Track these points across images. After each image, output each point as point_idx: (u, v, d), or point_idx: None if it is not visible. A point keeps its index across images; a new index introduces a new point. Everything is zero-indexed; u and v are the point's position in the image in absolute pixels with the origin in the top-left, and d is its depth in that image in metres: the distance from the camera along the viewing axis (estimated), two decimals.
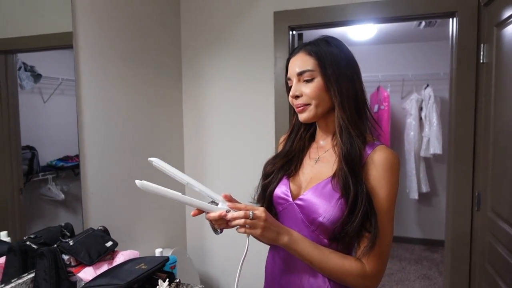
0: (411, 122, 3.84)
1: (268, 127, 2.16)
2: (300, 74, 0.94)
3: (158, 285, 1.22)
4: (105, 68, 1.72)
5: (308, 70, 0.93)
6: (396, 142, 4.09)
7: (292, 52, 1.00)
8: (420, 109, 3.82)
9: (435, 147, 3.62)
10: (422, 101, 3.81)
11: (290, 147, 1.06)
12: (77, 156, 1.59)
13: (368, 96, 4.35)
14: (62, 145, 1.56)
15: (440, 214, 3.97)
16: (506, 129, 1.48)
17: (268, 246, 1.11)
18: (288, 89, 1.01)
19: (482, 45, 1.76)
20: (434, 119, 3.67)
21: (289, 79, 0.99)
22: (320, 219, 0.90)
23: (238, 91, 2.22)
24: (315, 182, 0.96)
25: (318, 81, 0.93)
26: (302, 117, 0.97)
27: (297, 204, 0.96)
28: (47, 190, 1.50)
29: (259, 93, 2.17)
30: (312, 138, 1.08)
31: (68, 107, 1.56)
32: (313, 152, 1.04)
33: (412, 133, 3.83)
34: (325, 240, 0.93)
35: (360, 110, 0.97)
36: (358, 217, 0.86)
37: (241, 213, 0.83)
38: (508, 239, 1.42)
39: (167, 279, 1.26)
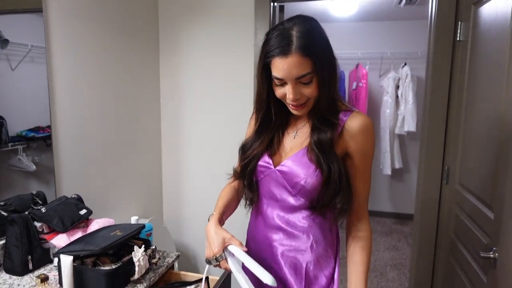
0: (387, 100, 3.90)
1: (246, 96, 2.14)
2: (298, 78, 0.88)
3: (133, 251, 1.22)
4: (78, 34, 1.64)
5: (307, 74, 0.88)
6: (372, 119, 4.15)
7: (276, 49, 0.87)
8: (397, 87, 3.88)
9: (409, 125, 3.71)
10: (399, 79, 3.87)
11: (267, 129, 1.04)
12: (49, 127, 1.54)
13: (347, 73, 4.37)
14: (32, 115, 1.50)
15: (411, 189, 4.12)
16: (477, 107, 1.53)
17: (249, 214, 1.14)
18: (267, 81, 0.95)
19: (459, 23, 1.78)
20: (410, 98, 3.74)
21: (280, 79, 0.90)
22: (302, 182, 0.96)
23: (217, 60, 2.18)
24: (295, 151, 1.00)
25: (315, 80, 0.90)
26: (299, 113, 0.97)
27: (279, 171, 1.00)
28: (17, 161, 1.46)
29: (238, 63, 2.14)
30: (287, 113, 1.04)
31: (39, 76, 1.49)
32: (291, 127, 1.06)
33: (388, 110, 3.90)
34: (306, 202, 0.99)
35: (336, 90, 0.98)
36: (331, 191, 0.95)
37: None
38: (472, 208, 1.49)
39: (143, 246, 1.26)
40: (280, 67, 0.87)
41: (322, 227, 1.02)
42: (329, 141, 0.94)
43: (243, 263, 0.94)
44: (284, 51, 0.85)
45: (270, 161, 1.02)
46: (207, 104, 2.24)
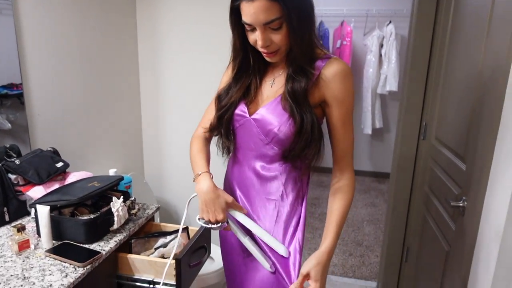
0: (371, 59, 3.88)
1: (225, 49, 2.08)
2: (267, 23, 0.86)
3: (112, 202, 1.22)
4: None
5: (276, 19, 0.85)
6: (355, 78, 4.13)
7: None
8: (381, 46, 3.85)
9: (391, 84, 3.73)
10: (383, 38, 3.83)
11: (245, 75, 1.03)
12: (22, 84, 1.46)
13: (331, 31, 4.28)
14: (4, 72, 1.42)
15: (390, 149, 4.21)
16: (457, 64, 1.53)
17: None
18: (238, 28, 0.93)
19: None
20: (393, 57, 3.73)
21: (249, 24, 0.88)
22: (275, 130, 0.95)
23: (195, 14, 2.09)
24: (270, 100, 0.99)
25: (285, 27, 0.87)
26: (272, 60, 0.96)
27: (253, 119, 0.99)
28: None
29: (217, 18, 2.06)
30: (264, 61, 1.02)
31: (7, 29, 1.39)
32: (269, 75, 1.04)
33: (371, 70, 3.89)
34: (279, 151, 0.99)
35: (312, 38, 0.94)
36: (302, 142, 0.94)
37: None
38: (446, 161, 1.54)
39: (122, 197, 1.26)
40: (247, 11, 0.85)
41: (294, 177, 1.04)
42: (303, 91, 0.92)
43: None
44: None
45: (246, 110, 1.01)
46: (185, 58, 2.17)
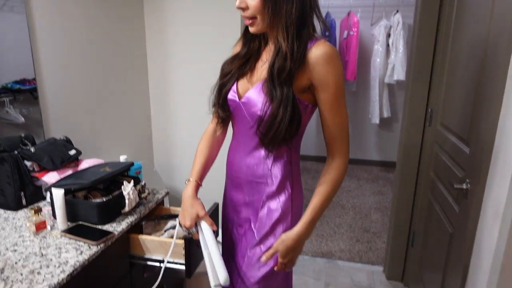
0: (378, 48, 3.86)
1: (232, 43, 2.10)
2: None
3: (123, 186, 1.26)
4: None
5: None
6: (363, 69, 4.14)
7: None
8: (388, 35, 3.82)
9: (398, 74, 3.71)
10: (390, 27, 3.80)
11: (248, 48, 1.06)
12: (35, 79, 1.51)
13: (338, 21, 4.25)
14: (18, 68, 1.47)
15: (398, 138, 4.18)
16: (461, 50, 1.54)
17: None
18: None
19: None
20: (401, 46, 3.70)
21: None
22: (259, 112, 0.95)
23: (203, 10, 2.12)
24: (257, 82, 1.00)
25: None
26: (251, 30, 0.97)
27: (242, 103, 1.01)
28: (5, 113, 1.46)
29: (225, 12, 2.08)
30: (265, 39, 1.06)
31: (20, 26, 1.43)
32: (264, 54, 1.05)
33: (378, 59, 3.87)
34: (261, 132, 0.97)
35: (305, 18, 0.93)
36: (278, 124, 0.92)
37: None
38: (450, 146, 1.55)
39: (132, 181, 1.31)
40: None
41: (280, 161, 1.03)
42: (283, 71, 0.91)
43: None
44: None
45: (236, 93, 1.02)
46: (194, 48, 2.20)
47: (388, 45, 3.83)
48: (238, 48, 1.10)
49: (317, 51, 0.91)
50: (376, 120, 3.99)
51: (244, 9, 0.93)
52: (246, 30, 1.04)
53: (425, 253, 1.84)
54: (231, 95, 1.04)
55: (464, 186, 1.30)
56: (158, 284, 1.15)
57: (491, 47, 1.20)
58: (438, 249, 1.60)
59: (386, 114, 4.01)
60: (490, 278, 1.08)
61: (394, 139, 4.29)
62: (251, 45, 1.05)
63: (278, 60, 0.92)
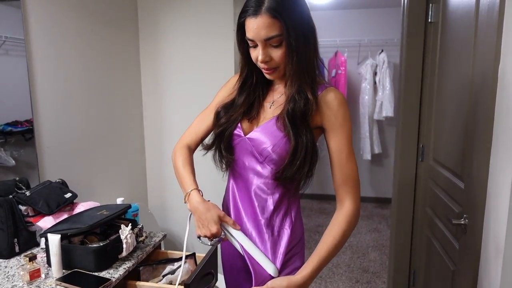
0: (366, 86, 3.99)
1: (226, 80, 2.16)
2: (267, 39, 0.91)
3: (121, 229, 1.24)
4: (57, 24, 1.63)
5: (276, 36, 0.91)
6: (351, 106, 4.25)
7: (248, 10, 0.91)
8: (375, 74, 3.98)
9: (387, 110, 3.82)
10: (376, 66, 3.97)
11: (247, 95, 1.07)
12: (27, 121, 1.51)
13: (326, 61, 4.42)
14: (9, 110, 1.47)
15: (390, 174, 4.23)
16: (448, 86, 1.61)
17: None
18: (244, 45, 0.99)
19: (430, 5, 1.86)
20: (387, 83, 3.84)
21: (252, 40, 0.94)
22: (269, 149, 0.98)
23: (197, 46, 2.19)
24: (266, 120, 1.03)
25: (284, 45, 0.93)
26: (270, 77, 1.00)
27: (248, 139, 1.03)
28: None
29: (218, 48, 2.16)
30: (267, 82, 1.09)
31: (14, 69, 1.44)
32: (269, 95, 1.09)
33: (366, 97, 4.00)
34: (272, 171, 1.00)
35: (313, 63, 0.99)
36: (295, 165, 0.95)
37: None
38: (445, 181, 1.58)
39: (130, 224, 1.28)
40: (250, 27, 0.91)
41: (285, 198, 1.04)
42: (302, 112, 0.95)
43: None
44: (255, 11, 0.89)
45: (241, 130, 1.04)
46: (188, 90, 2.25)
47: (375, 82, 3.98)
48: (227, 89, 1.12)
49: (329, 96, 0.97)
50: (367, 156, 4.05)
51: (267, 62, 0.95)
52: (243, 83, 1.06)
53: None
54: (236, 131, 1.04)
55: (463, 221, 1.31)
56: None
57: (476, 86, 1.26)
58: None
59: (377, 150, 4.07)
60: None
61: (386, 175, 4.33)
62: (256, 91, 1.06)
63: (297, 100, 0.95)
